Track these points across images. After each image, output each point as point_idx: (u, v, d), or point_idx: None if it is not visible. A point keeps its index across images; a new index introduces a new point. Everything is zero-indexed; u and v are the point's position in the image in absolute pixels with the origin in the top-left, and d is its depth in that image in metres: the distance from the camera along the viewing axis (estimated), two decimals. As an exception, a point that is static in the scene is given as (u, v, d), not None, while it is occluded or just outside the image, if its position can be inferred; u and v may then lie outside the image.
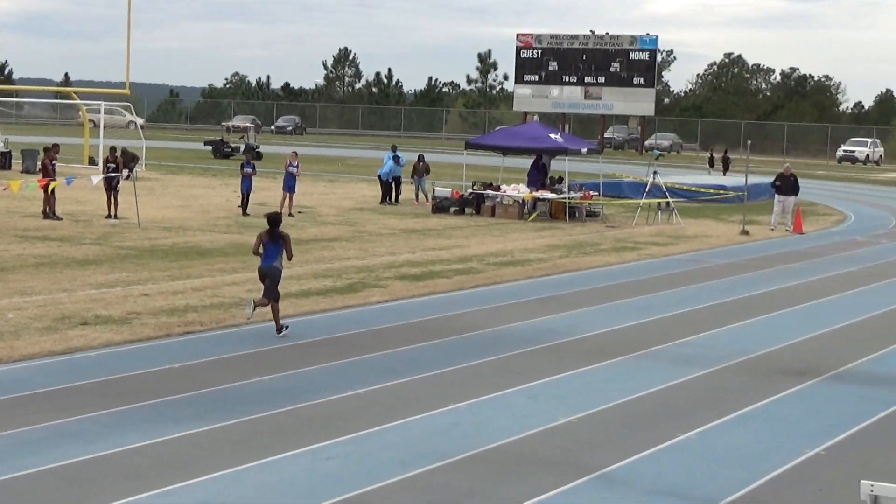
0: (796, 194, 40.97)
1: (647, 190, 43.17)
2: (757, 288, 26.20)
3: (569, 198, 41.00)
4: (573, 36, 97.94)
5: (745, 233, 38.10)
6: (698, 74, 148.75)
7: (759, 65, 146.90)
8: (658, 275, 27.88)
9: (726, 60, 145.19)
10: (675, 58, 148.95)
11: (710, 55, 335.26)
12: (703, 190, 51.31)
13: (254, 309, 18.80)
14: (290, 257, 19.05)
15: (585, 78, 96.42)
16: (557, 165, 45.00)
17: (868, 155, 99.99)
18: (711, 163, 70.93)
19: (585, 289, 25.13)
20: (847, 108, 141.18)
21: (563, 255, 30.69)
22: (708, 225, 41.30)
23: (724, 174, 66.43)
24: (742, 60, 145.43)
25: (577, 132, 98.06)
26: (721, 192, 51.03)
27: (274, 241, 18.76)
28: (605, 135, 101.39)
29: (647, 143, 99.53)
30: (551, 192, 41.19)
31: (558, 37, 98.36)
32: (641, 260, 30.72)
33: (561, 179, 42.55)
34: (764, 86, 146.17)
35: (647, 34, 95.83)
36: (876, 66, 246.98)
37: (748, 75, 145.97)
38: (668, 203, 42.29)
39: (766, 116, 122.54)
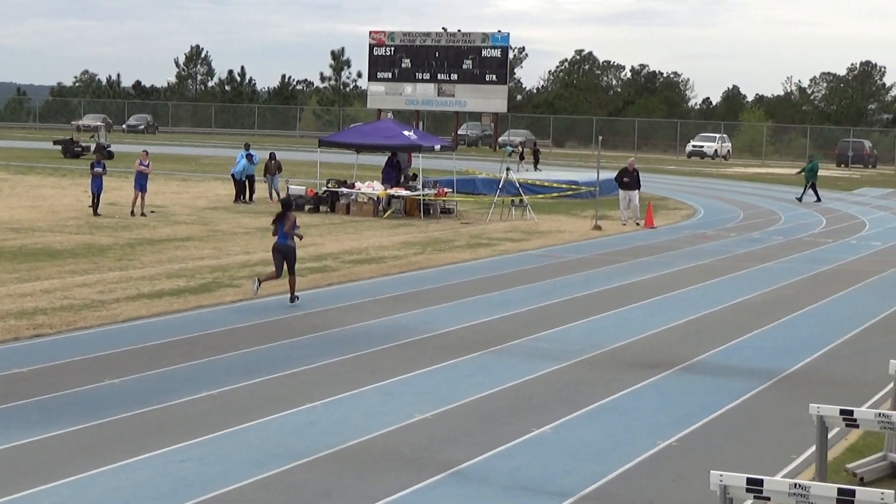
0: (639, 188, 41.72)
1: (500, 186, 43.46)
2: (610, 282, 26.52)
3: (423, 195, 41.12)
4: (426, 33, 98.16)
5: (598, 228, 38.52)
6: (550, 71, 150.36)
7: (609, 62, 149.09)
8: (512, 270, 28.06)
9: (577, 57, 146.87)
10: (526, 55, 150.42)
11: (561, 52, 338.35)
12: (556, 185, 51.77)
13: (258, 285, 21.76)
14: (286, 231, 21.57)
15: (438, 75, 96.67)
16: (412, 162, 45.02)
17: (716, 150, 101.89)
18: (522, 156, 71.28)
19: (440, 285, 25.20)
20: (695, 104, 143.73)
21: (418, 252, 30.75)
22: (561, 220, 41.70)
23: (535, 168, 67.04)
24: (593, 57, 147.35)
25: (431, 129, 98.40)
26: (574, 187, 51.54)
27: (284, 221, 21.55)
28: (459, 132, 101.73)
29: (500, 139, 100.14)
30: (406, 190, 41.26)
31: (411, 34, 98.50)
32: (496, 256, 30.90)
33: (415, 176, 42.64)
34: (615, 82, 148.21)
35: (499, 31, 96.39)
36: (722, 62, 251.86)
37: (599, 72, 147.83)
38: (521, 199, 42.64)
39: (618, 112, 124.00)
